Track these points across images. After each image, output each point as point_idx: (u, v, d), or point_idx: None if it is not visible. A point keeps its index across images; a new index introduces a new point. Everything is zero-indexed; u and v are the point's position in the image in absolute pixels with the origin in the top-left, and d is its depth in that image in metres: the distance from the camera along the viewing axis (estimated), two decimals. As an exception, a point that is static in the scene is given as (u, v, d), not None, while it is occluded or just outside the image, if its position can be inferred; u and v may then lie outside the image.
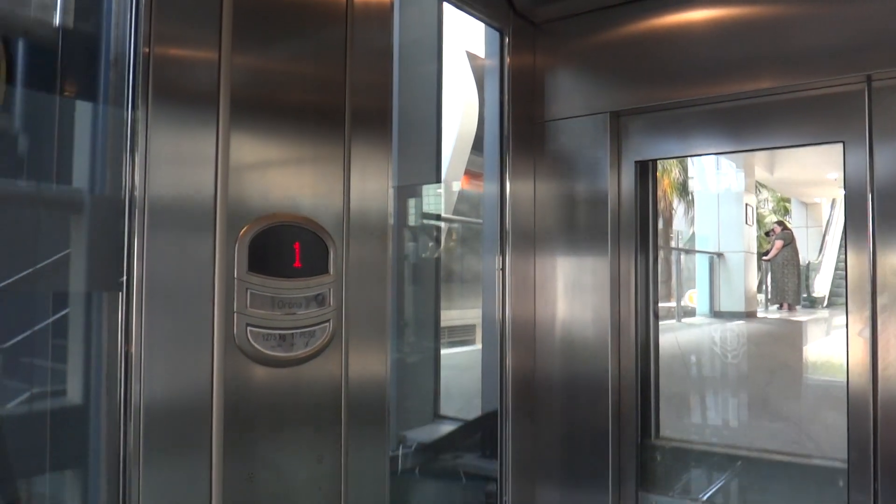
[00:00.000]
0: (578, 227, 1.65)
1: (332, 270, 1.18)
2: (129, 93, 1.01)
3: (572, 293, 1.64)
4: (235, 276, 1.07)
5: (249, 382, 1.10)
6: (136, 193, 0.99)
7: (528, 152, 1.70)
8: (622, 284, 1.63)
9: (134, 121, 1.00)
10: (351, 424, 1.21)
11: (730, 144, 1.54)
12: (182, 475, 1.01)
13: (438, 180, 2.06)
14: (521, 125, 1.69)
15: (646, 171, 1.69)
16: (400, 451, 1.84)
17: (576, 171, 1.68)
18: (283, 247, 1.12)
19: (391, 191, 1.29)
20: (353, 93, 1.23)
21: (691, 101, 1.52)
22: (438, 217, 2.26)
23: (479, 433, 1.80)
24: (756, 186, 2.71)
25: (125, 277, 1.00)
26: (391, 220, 1.29)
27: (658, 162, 1.69)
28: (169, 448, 1.00)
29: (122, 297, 1.00)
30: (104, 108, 1.10)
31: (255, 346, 1.09)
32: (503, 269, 1.63)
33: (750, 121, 1.48)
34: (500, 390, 1.65)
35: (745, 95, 1.44)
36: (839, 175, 1.39)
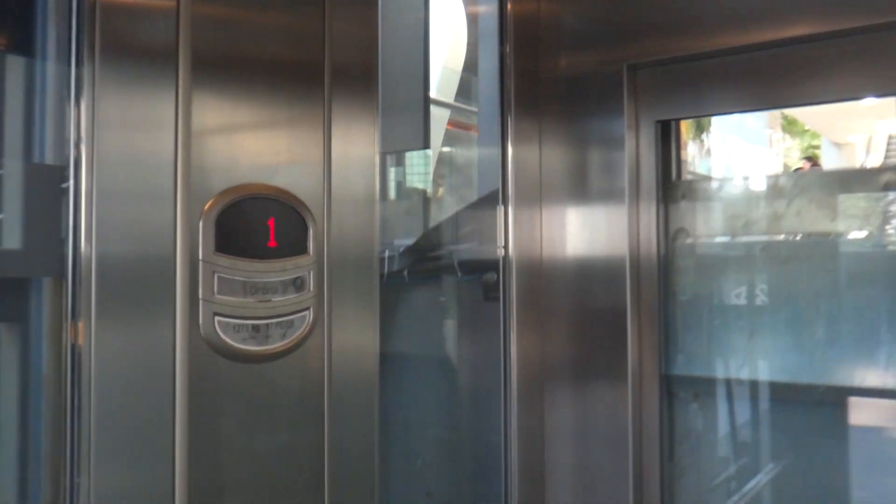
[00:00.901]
0: (591, 198, 1.69)
1: (311, 250, 1.19)
2: (73, 46, 1.03)
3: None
4: (200, 257, 1.09)
5: (218, 381, 1.11)
6: (83, 164, 1.00)
7: (532, 112, 1.72)
8: (642, 264, 1.66)
9: (79, 79, 1.02)
10: (335, 427, 1.24)
11: (766, 101, 1.57)
12: (141, 489, 1.03)
13: (427, 146, 2.08)
14: (525, 81, 1.71)
15: (668, 133, 1.72)
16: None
17: (588, 133, 1.70)
18: (255, 223, 1.14)
19: (377, 157, 1.32)
20: (334, 46, 1.25)
21: (720, 51, 1.55)
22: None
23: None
24: (781, 125, 2.72)
25: (70, 261, 1.02)
26: (378, 191, 1.31)
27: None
28: (125, 458, 1.02)
29: (66, 284, 1.02)
30: (42, 64, 1.10)
31: (225, 338, 1.11)
32: (505, 248, 1.67)
33: (789, 73, 1.51)
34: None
35: (782, 43, 1.47)
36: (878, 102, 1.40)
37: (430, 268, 1.98)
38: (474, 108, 2.00)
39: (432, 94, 2.02)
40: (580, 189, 1.71)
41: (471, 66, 1.94)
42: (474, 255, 1.85)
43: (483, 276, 1.75)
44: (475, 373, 1.86)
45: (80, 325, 1.00)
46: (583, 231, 1.70)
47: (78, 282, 1.01)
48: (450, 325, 1.99)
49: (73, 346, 1.01)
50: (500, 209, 1.68)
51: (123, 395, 1.02)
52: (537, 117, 1.74)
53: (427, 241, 2.05)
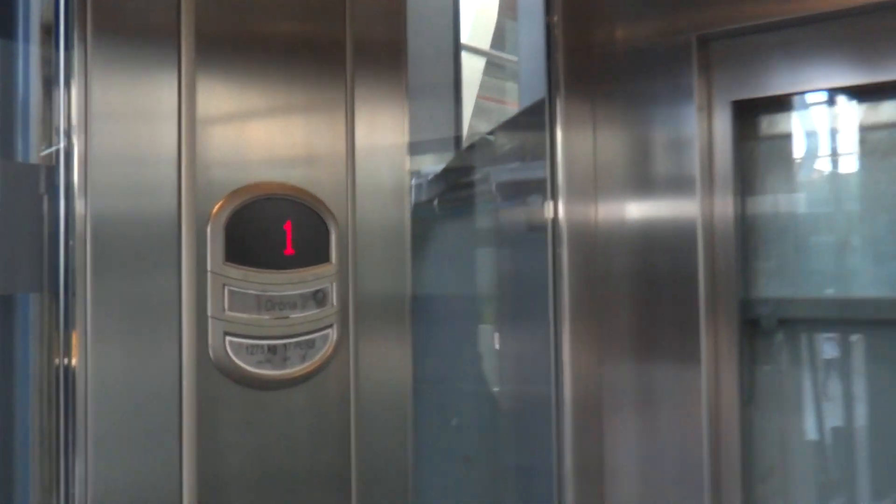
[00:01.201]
0: (655, 190, 1.62)
1: (334, 258, 1.17)
2: (62, 27, 1.02)
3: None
4: (209, 268, 1.07)
5: (230, 411, 1.09)
6: (74, 161, 0.99)
7: (585, 91, 1.66)
8: (717, 270, 1.57)
9: (68, 64, 1.00)
10: (362, 464, 1.21)
11: (865, 73, 1.48)
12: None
13: (459, 132, 2.05)
14: (577, 56, 1.65)
15: (746, 114, 1.64)
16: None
17: (650, 116, 1.63)
18: (270, 228, 1.12)
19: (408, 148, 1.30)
20: (356, 19, 1.23)
21: (811, 17, 1.48)
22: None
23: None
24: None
25: (62, 274, 1.01)
26: (410, 187, 1.30)
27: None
28: (127, 500, 1.00)
29: (54, 299, 1.02)
30: (24, 46, 1.10)
31: (237, 361, 1.08)
32: (555, 247, 1.62)
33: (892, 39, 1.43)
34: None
35: (888, 5, 1.41)
36: None
37: (464, 196, 1.91)
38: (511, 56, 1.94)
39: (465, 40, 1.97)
40: (642, 181, 1.64)
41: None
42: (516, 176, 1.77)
43: (526, 200, 1.68)
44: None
45: (73, 350, 0.99)
46: (645, 228, 1.63)
47: (70, 296, 1.00)
48: (488, 262, 1.92)
49: (66, 377, 1.00)
50: (549, 205, 1.63)
51: (122, 431, 1.00)
52: (590, 99, 1.68)
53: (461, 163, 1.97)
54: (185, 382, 1.05)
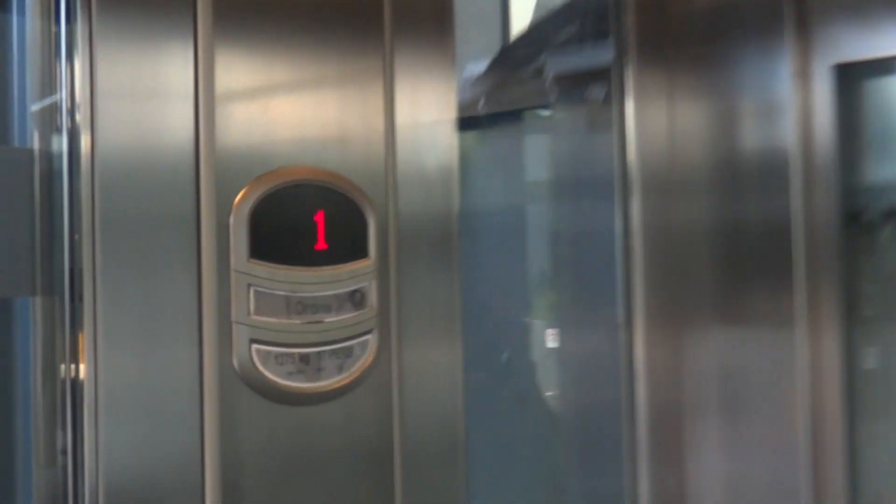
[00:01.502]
0: (742, 172, 1.57)
1: (372, 253, 1.15)
2: None
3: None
4: (231, 266, 1.04)
5: (257, 431, 1.07)
6: (81, 146, 0.97)
7: (659, 58, 1.62)
8: (823, 272, 1.50)
9: (70, 39, 1.00)
10: (408, 490, 1.18)
11: None
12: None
13: (515, 106, 2.03)
14: (649, 16, 1.62)
15: (850, 80, 1.57)
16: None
17: (737, 84, 1.58)
18: (300, 219, 1.09)
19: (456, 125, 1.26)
20: None
21: None
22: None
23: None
24: None
25: (67, 275, 1.00)
26: (457, 168, 1.27)
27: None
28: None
29: (62, 303, 1.01)
30: (20, 20, 1.10)
31: (265, 373, 1.06)
32: (627, 242, 1.58)
33: None
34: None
35: None
36: None
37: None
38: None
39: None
40: (726, 163, 1.59)
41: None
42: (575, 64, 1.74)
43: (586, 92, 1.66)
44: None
45: (81, 360, 0.99)
46: (727, 211, 1.58)
47: (76, 299, 0.99)
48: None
49: (74, 390, 0.99)
50: (618, 197, 1.60)
51: (135, 456, 0.99)
52: (666, 66, 1.64)
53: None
54: (206, 397, 1.02)
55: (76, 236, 0.98)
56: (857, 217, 1.59)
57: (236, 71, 1.06)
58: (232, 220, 1.04)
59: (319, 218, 1.10)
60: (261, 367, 1.05)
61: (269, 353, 1.06)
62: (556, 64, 1.80)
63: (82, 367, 0.97)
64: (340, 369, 1.11)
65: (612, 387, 1.59)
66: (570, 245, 1.84)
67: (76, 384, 0.98)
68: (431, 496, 1.21)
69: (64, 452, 1.01)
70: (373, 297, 1.14)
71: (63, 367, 1.02)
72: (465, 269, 1.25)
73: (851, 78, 1.56)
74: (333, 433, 1.12)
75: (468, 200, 1.62)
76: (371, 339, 1.14)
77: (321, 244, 1.10)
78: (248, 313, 1.04)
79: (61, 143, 1.02)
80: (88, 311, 0.96)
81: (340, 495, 1.14)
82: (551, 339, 1.85)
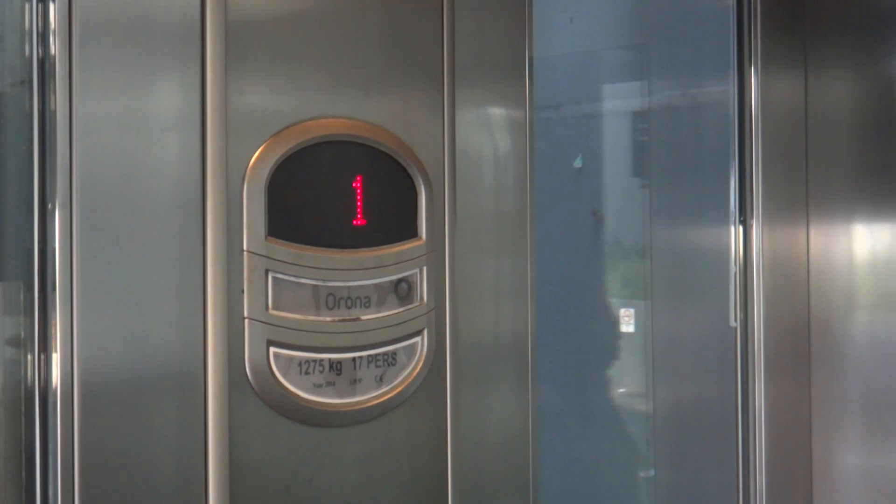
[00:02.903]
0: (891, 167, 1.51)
1: (424, 233, 1.07)
2: None
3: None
4: (244, 246, 0.96)
5: (277, 458, 0.98)
6: (55, 102, 0.87)
7: (791, 23, 1.57)
8: None
9: None
10: None
11: None
12: None
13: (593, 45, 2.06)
14: None
15: None
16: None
17: (891, 51, 1.52)
18: (332, 187, 1.01)
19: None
20: None
21: None
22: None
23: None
24: None
25: (36, 260, 0.90)
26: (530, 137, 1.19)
27: None
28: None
29: (35, 293, 0.91)
30: None
31: (285, 384, 0.97)
32: (744, 250, 1.50)
33: None
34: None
35: None
36: None
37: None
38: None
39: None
40: (869, 144, 1.55)
41: None
42: None
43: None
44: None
45: (55, 361, 0.88)
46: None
47: (49, 288, 0.89)
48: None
49: (44, 401, 0.88)
50: (733, 184, 1.52)
51: (123, 482, 0.89)
52: (801, 34, 1.55)
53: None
54: (210, 416, 0.91)
55: (48, 206, 0.88)
56: None
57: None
58: (245, 187, 0.96)
59: (357, 185, 1.01)
60: (280, 378, 0.97)
61: (291, 358, 0.98)
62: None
63: (55, 372, 0.86)
64: (381, 381, 1.03)
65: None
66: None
67: (46, 403, 0.87)
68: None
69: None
70: (423, 289, 1.06)
71: (29, 369, 0.91)
72: (540, 254, 1.16)
73: None
74: (372, 465, 1.04)
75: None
76: (420, 342, 1.07)
77: (359, 219, 1.02)
78: (266, 308, 0.96)
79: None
80: (63, 301, 0.86)
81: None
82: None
